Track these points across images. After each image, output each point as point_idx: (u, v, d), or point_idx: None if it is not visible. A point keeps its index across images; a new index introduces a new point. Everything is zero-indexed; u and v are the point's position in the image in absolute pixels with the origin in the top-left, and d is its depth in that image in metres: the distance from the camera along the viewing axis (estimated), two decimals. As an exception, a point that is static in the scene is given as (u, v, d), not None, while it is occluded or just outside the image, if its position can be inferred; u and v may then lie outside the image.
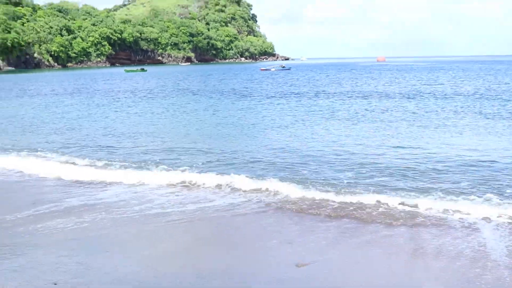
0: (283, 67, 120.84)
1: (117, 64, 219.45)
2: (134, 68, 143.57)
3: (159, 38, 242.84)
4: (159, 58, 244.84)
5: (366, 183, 13.66)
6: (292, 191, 13.09)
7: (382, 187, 13.29)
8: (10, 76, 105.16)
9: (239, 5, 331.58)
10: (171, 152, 18.87)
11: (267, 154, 17.96)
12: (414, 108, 30.89)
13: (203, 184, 14.18)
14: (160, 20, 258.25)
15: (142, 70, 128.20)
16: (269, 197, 12.88)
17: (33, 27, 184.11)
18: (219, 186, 13.88)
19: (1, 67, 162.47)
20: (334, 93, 44.43)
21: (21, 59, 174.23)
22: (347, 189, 13.10)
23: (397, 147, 18.71)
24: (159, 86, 60.15)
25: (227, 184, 13.91)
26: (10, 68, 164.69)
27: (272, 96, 42.30)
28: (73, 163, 17.37)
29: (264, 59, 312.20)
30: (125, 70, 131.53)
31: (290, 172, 15.21)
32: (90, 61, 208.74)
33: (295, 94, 44.25)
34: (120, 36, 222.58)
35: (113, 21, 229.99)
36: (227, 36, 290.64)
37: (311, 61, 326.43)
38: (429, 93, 41.80)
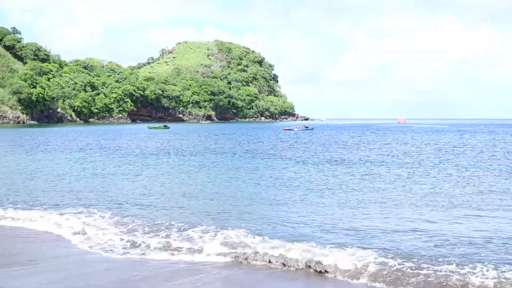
0: (306, 127, 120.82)
1: (138, 121, 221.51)
2: (157, 125, 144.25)
3: (181, 96, 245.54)
4: (180, 115, 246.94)
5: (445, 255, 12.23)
6: (379, 263, 11.73)
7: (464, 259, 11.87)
8: (34, 130, 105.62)
9: (261, 65, 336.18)
10: (219, 214, 17.63)
11: (320, 221, 16.63)
12: (456, 172, 29.43)
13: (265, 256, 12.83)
14: (182, 78, 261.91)
15: (165, 127, 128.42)
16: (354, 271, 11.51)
17: (58, 83, 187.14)
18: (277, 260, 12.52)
19: (25, 121, 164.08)
20: (367, 156, 43.13)
21: (44, 113, 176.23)
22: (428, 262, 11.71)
23: (462, 216, 17.30)
24: (186, 144, 59.35)
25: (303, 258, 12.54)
26: (33, 122, 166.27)
27: (303, 157, 41.15)
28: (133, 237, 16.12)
29: (284, 119, 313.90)
30: (148, 127, 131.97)
31: (355, 240, 13.82)
32: (112, 117, 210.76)
33: (328, 156, 43.07)
34: (142, 93, 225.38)
35: (137, 78, 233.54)
36: (248, 95, 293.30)
37: (331, 121, 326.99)
38: (466, 157, 40.35)
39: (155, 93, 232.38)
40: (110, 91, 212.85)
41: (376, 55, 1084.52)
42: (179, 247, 13.55)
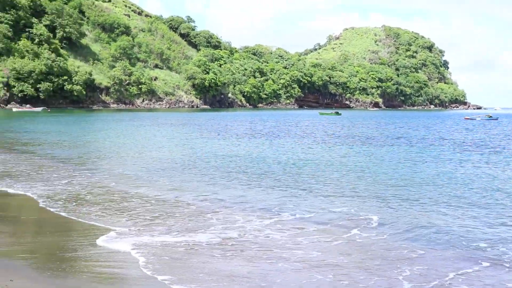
0: (490, 116, 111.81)
1: (305, 107, 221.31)
2: (328, 111, 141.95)
3: (348, 83, 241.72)
4: (347, 102, 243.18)
5: None
6: None
7: None
8: (212, 114, 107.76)
9: (430, 51, 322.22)
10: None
11: None
12: None
13: None
14: (349, 65, 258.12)
15: (337, 113, 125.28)
16: None
17: (229, 69, 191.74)
18: None
19: (198, 105, 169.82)
20: None
21: (216, 98, 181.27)
22: None
23: None
24: (373, 132, 55.67)
25: None
26: (205, 106, 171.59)
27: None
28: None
29: (455, 107, 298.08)
30: (319, 112, 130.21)
31: None
32: (280, 102, 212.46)
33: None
34: (309, 79, 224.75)
35: (304, 65, 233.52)
36: (416, 82, 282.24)
37: (505, 111, 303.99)
38: None
39: (322, 79, 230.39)
40: (278, 77, 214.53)
41: None
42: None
